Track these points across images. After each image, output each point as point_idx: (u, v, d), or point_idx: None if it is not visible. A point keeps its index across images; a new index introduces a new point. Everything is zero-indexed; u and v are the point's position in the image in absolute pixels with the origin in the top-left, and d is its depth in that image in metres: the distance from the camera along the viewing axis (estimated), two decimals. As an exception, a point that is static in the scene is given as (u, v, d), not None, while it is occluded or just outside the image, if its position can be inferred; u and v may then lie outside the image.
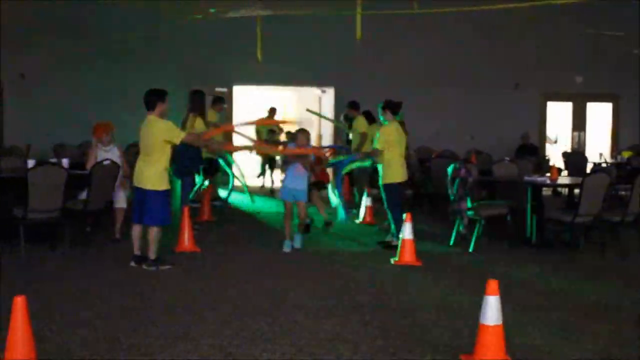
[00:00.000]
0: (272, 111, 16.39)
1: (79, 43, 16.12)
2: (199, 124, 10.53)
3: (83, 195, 9.16)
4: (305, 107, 16.36)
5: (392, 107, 9.66)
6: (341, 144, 14.30)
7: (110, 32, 15.36)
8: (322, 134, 19.00)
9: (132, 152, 11.51)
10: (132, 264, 8.12)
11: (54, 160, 10.22)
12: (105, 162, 9.13)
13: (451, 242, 9.68)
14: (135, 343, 5.33)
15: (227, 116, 15.93)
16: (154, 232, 8.04)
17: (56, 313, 6.12)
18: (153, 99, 8.03)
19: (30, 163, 9.33)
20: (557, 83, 18.61)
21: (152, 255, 8.09)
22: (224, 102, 13.49)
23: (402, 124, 9.89)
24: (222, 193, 14.50)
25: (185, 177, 10.52)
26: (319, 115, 15.74)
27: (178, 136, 8.01)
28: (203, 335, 5.54)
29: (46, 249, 8.90)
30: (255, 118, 13.68)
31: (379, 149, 9.38)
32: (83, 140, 15.05)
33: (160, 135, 7.91)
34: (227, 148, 11.00)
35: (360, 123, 12.51)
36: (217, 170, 12.98)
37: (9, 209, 8.68)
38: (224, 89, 17.58)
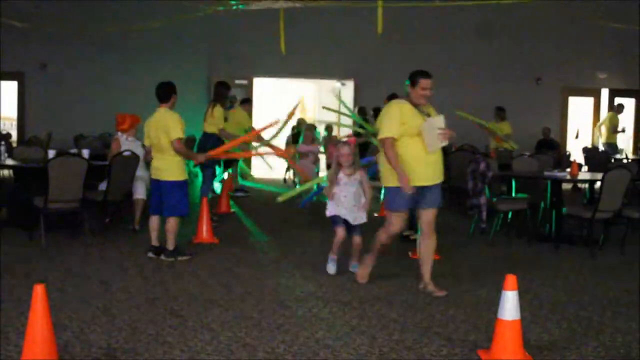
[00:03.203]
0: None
1: (100, 34, 16.18)
2: (217, 112, 10.56)
3: (103, 186, 9.22)
4: (324, 100, 16.38)
5: None
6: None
7: (131, 23, 15.41)
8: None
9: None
10: (150, 254, 8.17)
11: (74, 150, 10.30)
12: (125, 153, 9.18)
13: (470, 237, 9.66)
14: (153, 333, 5.37)
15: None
16: (172, 224, 8.07)
17: (75, 302, 6.16)
18: (168, 91, 8.10)
19: (51, 153, 9.40)
20: (579, 78, 18.50)
21: (170, 246, 8.12)
22: (251, 104, 13.66)
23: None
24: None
25: (205, 168, 10.55)
26: (344, 104, 15.68)
27: (176, 134, 7.90)
28: (222, 327, 5.57)
29: (66, 239, 8.96)
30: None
31: None
32: (103, 131, 15.15)
33: (168, 127, 7.90)
34: (234, 155, 11.05)
35: None
36: (236, 162, 13.06)
37: (30, 199, 8.76)
38: (244, 81, 17.62)
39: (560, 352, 5.18)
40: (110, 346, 5.03)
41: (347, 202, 7.35)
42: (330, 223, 7.55)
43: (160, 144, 8.01)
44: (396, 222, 6.71)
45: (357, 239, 7.52)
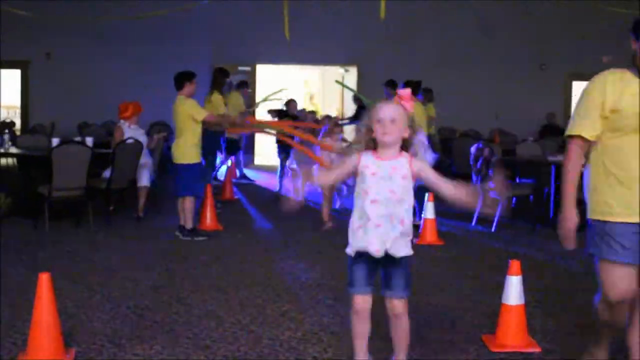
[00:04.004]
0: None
1: (104, 22, 16.15)
2: (215, 99, 10.56)
3: (107, 174, 9.24)
4: (328, 86, 16.35)
5: (412, 87, 9.64)
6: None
7: (135, 11, 15.37)
8: (346, 111, 18.95)
9: (155, 130, 11.61)
10: (176, 232, 8.58)
11: (78, 138, 10.31)
12: (129, 141, 9.19)
13: (473, 222, 9.66)
14: (158, 320, 5.38)
15: (251, 98, 15.97)
16: (187, 204, 8.44)
17: (80, 290, 6.18)
18: (182, 79, 8.51)
19: (55, 141, 9.41)
20: (583, 63, 18.41)
21: (187, 225, 8.47)
22: (248, 86, 13.64)
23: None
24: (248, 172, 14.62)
25: (206, 156, 10.57)
26: (347, 87, 15.66)
27: (200, 114, 8.43)
28: (227, 314, 5.58)
29: (70, 227, 8.99)
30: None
31: None
32: (107, 119, 15.16)
33: (184, 112, 8.37)
34: (249, 127, 11.07)
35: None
36: (238, 150, 13.07)
37: (34, 187, 8.78)
38: (248, 68, 17.60)
39: (565, 337, 5.18)
40: (115, 334, 5.04)
41: (376, 211, 3.83)
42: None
43: (178, 129, 8.54)
44: (609, 278, 3.71)
45: (396, 305, 4.06)
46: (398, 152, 3.90)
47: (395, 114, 3.84)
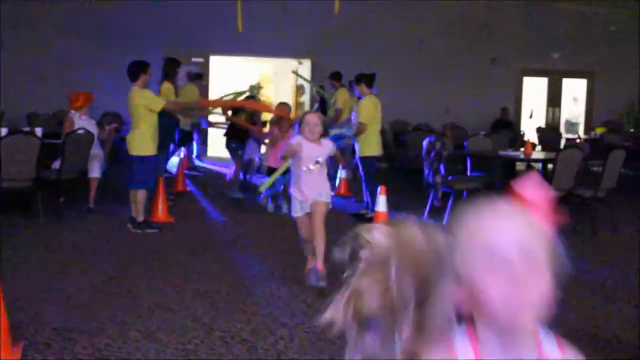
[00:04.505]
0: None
1: (55, 11, 15.90)
2: (164, 89, 10.44)
3: (57, 164, 9.12)
4: (281, 78, 16.32)
5: (366, 80, 9.66)
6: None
7: (86, 1, 15.18)
8: (300, 103, 18.95)
9: (106, 121, 11.48)
10: (128, 225, 8.49)
11: (27, 129, 10.15)
12: (79, 132, 9.08)
13: (425, 215, 9.74)
14: (109, 313, 5.34)
15: (204, 89, 15.84)
16: (139, 196, 8.36)
17: (29, 282, 6.10)
18: (136, 70, 8.36)
19: (3, 131, 9.25)
20: (534, 59, 18.67)
21: (139, 218, 8.39)
22: (202, 79, 13.61)
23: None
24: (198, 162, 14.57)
25: (158, 147, 10.50)
26: (303, 78, 15.69)
27: (158, 104, 8.34)
28: (178, 306, 5.56)
29: (19, 219, 8.85)
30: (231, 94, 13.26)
31: (365, 123, 9.40)
32: (57, 109, 14.93)
33: (141, 103, 8.26)
34: (205, 105, 11.08)
35: (341, 95, 12.31)
36: (191, 141, 13.01)
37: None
38: (201, 59, 17.48)
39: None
40: (65, 327, 4.99)
41: None
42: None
43: (133, 120, 8.41)
44: None
45: None
46: None
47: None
